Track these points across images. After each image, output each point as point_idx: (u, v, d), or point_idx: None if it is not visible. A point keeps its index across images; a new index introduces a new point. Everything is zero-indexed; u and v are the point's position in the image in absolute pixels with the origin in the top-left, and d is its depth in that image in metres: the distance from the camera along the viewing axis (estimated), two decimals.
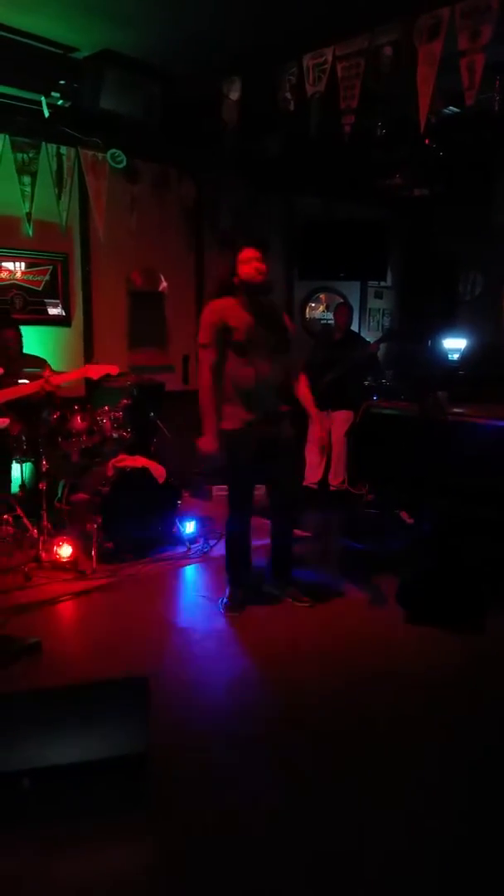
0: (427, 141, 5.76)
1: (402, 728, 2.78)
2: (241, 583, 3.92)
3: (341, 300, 7.75)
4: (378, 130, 4.59)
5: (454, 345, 7.81)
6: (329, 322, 7.64)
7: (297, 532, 5.23)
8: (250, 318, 3.58)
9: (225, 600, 3.88)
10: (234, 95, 4.85)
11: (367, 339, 7.10)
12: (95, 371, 4.11)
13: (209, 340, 3.60)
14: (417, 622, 3.68)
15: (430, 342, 7.92)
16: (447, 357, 7.71)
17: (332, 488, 6.26)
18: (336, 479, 6.27)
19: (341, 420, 6.21)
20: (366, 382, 6.73)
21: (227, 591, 3.92)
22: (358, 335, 7.12)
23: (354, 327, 7.57)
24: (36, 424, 4.62)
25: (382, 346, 7.16)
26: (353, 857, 2.07)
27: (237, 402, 3.63)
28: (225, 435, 3.63)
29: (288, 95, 4.62)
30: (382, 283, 8.66)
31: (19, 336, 5.11)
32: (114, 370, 4.32)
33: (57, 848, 2.09)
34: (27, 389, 3.58)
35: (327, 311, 8.18)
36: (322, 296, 8.28)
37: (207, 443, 3.59)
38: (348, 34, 4.18)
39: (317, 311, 8.28)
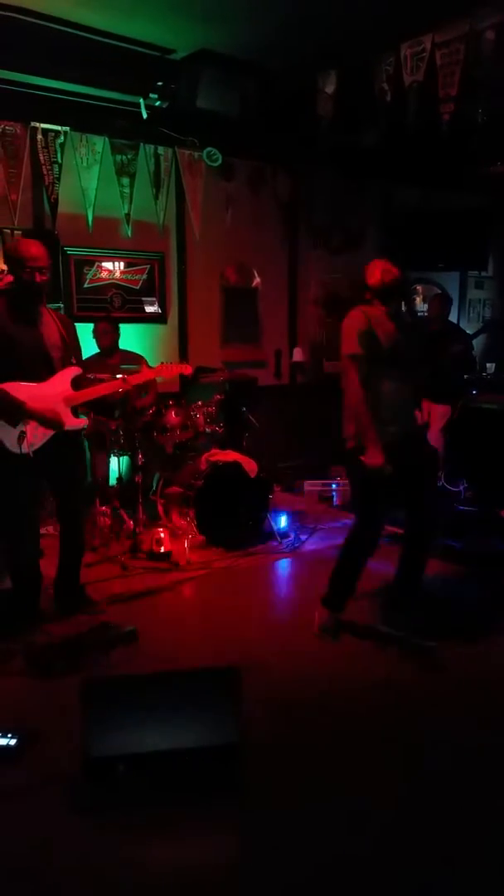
0: None
1: None
2: (341, 605, 3.54)
3: (439, 291, 7.55)
4: (479, 118, 4.43)
5: None
6: (425, 314, 7.46)
7: (390, 528, 5.16)
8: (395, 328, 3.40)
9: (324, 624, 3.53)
10: (330, 88, 4.80)
11: (468, 331, 6.88)
12: (168, 371, 4.22)
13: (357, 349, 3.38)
14: None
15: None
16: None
17: None
18: None
19: (438, 415, 6.05)
20: (465, 376, 6.53)
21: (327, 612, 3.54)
22: (456, 326, 6.91)
23: (453, 318, 7.35)
24: (126, 419, 4.81)
25: (481, 337, 6.92)
26: (448, 852, 2.04)
27: (381, 416, 3.39)
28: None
29: (385, 86, 4.53)
30: (483, 273, 8.38)
31: (116, 330, 5.31)
32: (187, 370, 4.41)
33: (152, 833, 2.16)
34: (104, 389, 3.70)
35: (424, 302, 7.98)
36: (419, 287, 8.09)
37: (374, 456, 3.29)
38: (447, 19, 4.05)
39: (413, 302, 8.09)
